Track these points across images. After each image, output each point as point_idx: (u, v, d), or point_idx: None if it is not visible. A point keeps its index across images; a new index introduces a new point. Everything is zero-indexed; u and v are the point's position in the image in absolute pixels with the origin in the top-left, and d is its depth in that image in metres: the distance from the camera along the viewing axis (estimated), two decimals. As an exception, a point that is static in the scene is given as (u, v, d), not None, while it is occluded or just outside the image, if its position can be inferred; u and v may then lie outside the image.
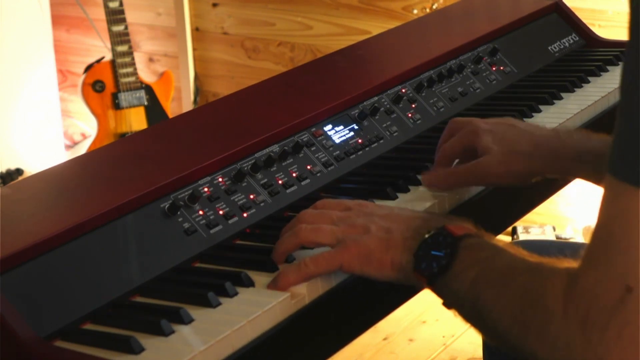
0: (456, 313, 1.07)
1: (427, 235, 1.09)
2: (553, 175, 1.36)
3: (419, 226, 1.12)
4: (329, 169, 1.40)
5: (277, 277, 1.13)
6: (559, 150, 1.31)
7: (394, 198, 1.33)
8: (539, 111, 1.64)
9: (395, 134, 1.52)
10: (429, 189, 1.35)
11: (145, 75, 3.77)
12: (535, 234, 2.93)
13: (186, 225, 1.21)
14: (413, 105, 1.59)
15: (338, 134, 1.46)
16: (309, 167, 1.38)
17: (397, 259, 1.11)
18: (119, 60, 3.45)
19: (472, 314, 1.04)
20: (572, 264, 0.94)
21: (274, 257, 1.17)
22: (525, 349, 0.95)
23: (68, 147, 3.92)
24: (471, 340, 2.59)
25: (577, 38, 1.97)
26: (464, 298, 1.03)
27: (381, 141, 1.50)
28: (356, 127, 1.49)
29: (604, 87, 1.74)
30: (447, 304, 1.08)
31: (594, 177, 1.30)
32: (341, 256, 1.12)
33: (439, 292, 1.08)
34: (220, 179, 1.28)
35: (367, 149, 1.47)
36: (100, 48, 3.76)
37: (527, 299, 0.95)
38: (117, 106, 3.49)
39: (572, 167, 1.31)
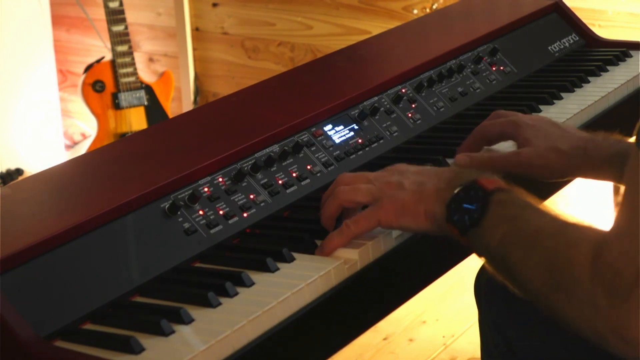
0: (487, 263, 1.11)
1: (459, 188, 1.13)
2: (584, 177, 1.38)
3: (451, 178, 1.17)
4: (329, 169, 1.40)
5: (322, 243, 1.18)
6: (592, 153, 1.35)
7: (394, 198, 1.33)
8: (539, 111, 1.64)
9: (395, 134, 1.52)
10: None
11: (145, 75, 3.77)
12: (535, 234, 2.91)
13: (186, 225, 1.21)
14: (413, 105, 1.59)
15: (338, 134, 1.46)
16: (309, 167, 1.38)
17: (430, 209, 1.16)
18: (119, 60, 3.44)
19: (502, 270, 1.08)
20: (596, 229, 0.97)
21: (323, 223, 1.22)
22: (556, 310, 0.99)
23: (68, 147, 3.92)
24: (471, 340, 2.59)
25: (577, 38, 1.97)
26: (494, 252, 1.08)
27: (381, 141, 1.50)
28: (356, 127, 1.49)
29: (604, 87, 1.74)
30: (479, 254, 1.12)
31: (621, 179, 1.31)
32: (378, 212, 1.18)
33: (471, 244, 1.12)
34: (220, 179, 1.28)
35: (367, 149, 1.47)
36: (100, 48, 3.76)
37: (554, 264, 0.98)
38: (117, 106, 3.49)
39: (603, 170, 1.34)
